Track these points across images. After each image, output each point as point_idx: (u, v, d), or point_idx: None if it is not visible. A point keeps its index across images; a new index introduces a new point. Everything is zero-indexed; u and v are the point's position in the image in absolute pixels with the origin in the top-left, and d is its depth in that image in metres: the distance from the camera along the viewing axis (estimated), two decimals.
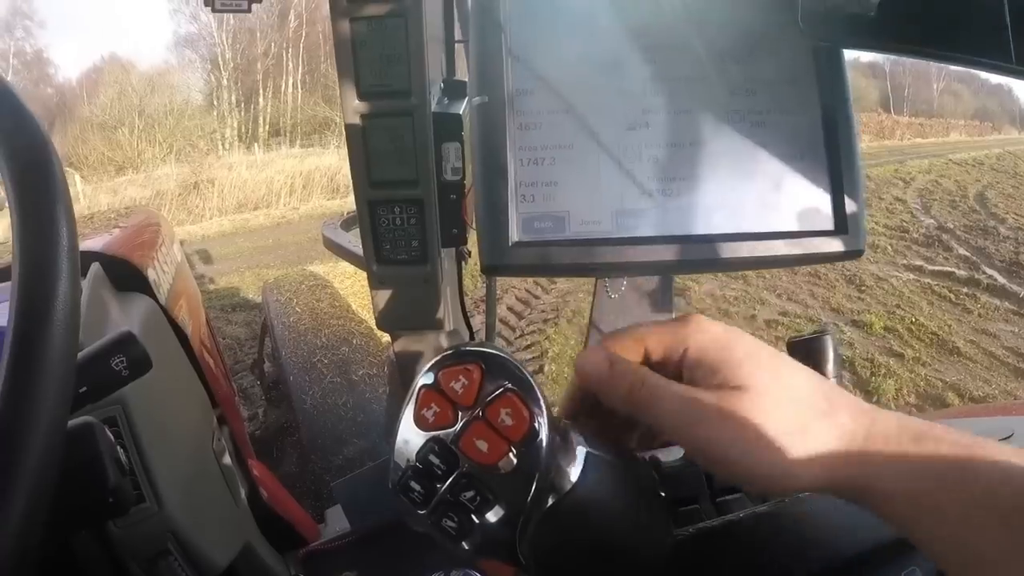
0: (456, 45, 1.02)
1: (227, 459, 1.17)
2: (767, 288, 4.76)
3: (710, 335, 0.34)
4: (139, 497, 0.83)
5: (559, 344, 3.64)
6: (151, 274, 1.15)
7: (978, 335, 3.97)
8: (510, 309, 4.35)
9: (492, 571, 0.30)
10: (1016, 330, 4.02)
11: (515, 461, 0.26)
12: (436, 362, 0.28)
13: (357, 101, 0.79)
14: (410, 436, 0.28)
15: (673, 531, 0.40)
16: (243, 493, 1.25)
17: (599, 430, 0.35)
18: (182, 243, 1.50)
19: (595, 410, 0.37)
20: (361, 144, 0.80)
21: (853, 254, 0.50)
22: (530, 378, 0.27)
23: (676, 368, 0.34)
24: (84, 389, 0.53)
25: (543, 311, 4.33)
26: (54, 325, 0.30)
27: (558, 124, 0.47)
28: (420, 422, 0.27)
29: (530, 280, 4.83)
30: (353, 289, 2.97)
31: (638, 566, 0.32)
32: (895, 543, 0.39)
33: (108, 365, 0.54)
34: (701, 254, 0.47)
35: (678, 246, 0.47)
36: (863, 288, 4.78)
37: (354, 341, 2.49)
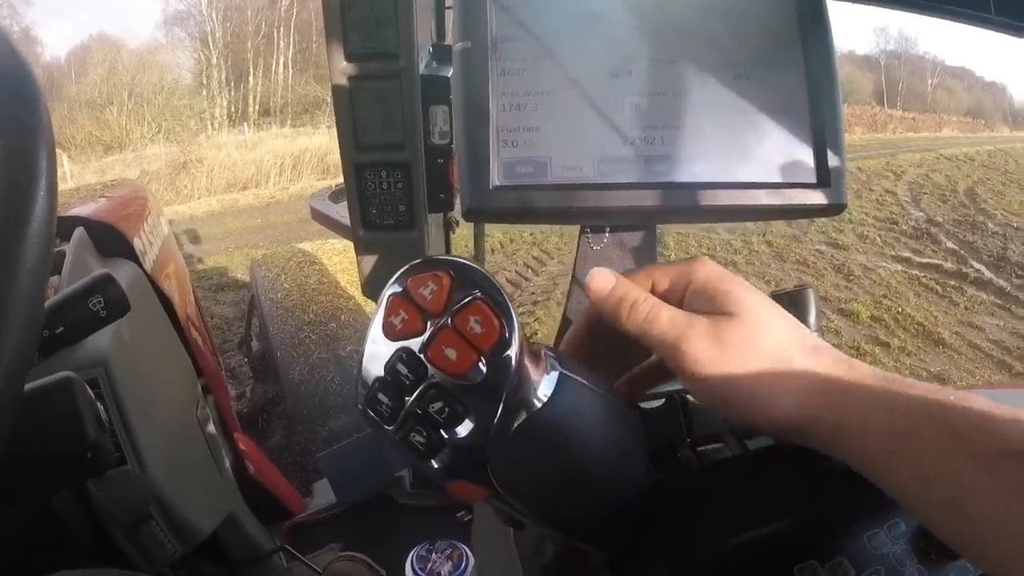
0: (447, 12, 1.01)
1: (212, 428, 1.17)
2: (756, 275, 4.80)
3: (713, 270, 0.35)
4: (120, 459, 0.83)
5: (548, 326, 3.65)
6: (137, 243, 1.14)
7: (964, 327, 4.01)
8: (508, 296, 4.36)
9: (465, 496, 0.29)
10: (1001, 323, 4.06)
11: (484, 371, 0.26)
12: (404, 270, 0.27)
13: (344, 63, 0.78)
14: (378, 348, 0.27)
15: (651, 471, 0.41)
16: (228, 464, 1.25)
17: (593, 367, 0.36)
18: (171, 223, 1.49)
19: (594, 349, 0.39)
20: (348, 106, 0.79)
21: (835, 208, 0.50)
22: (502, 290, 0.27)
23: (679, 300, 0.36)
24: (61, 330, 0.53)
25: (533, 293, 4.34)
26: (30, 230, 0.30)
27: (541, 70, 0.47)
28: (388, 330, 0.27)
29: (520, 262, 4.83)
30: (342, 266, 2.95)
31: (614, 498, 0.32)
32: (868, 495, 0.39)
33: (85, 306, 0.54)
34: (683, 201, 0.47)
35: (660, 192, 0.46)
36: (851, 277, 4.82)
37: (342, 317, 2.48)
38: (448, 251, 0.91)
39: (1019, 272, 4.89)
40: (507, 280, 4.56)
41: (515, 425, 0.27)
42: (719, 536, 0.35)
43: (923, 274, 4.93)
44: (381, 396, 0.27)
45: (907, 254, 5.44)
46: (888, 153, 11.82)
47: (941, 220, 6.58)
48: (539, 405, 0.27)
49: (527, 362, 0.27)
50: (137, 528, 0.87)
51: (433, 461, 0.27)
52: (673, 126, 0.47)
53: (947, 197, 7.79)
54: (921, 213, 6.92)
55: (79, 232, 1.00)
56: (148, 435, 0.86)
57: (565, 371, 0.29)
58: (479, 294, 0.26)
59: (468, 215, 0.46)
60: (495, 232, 5.21)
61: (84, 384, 0.57)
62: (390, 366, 0.26)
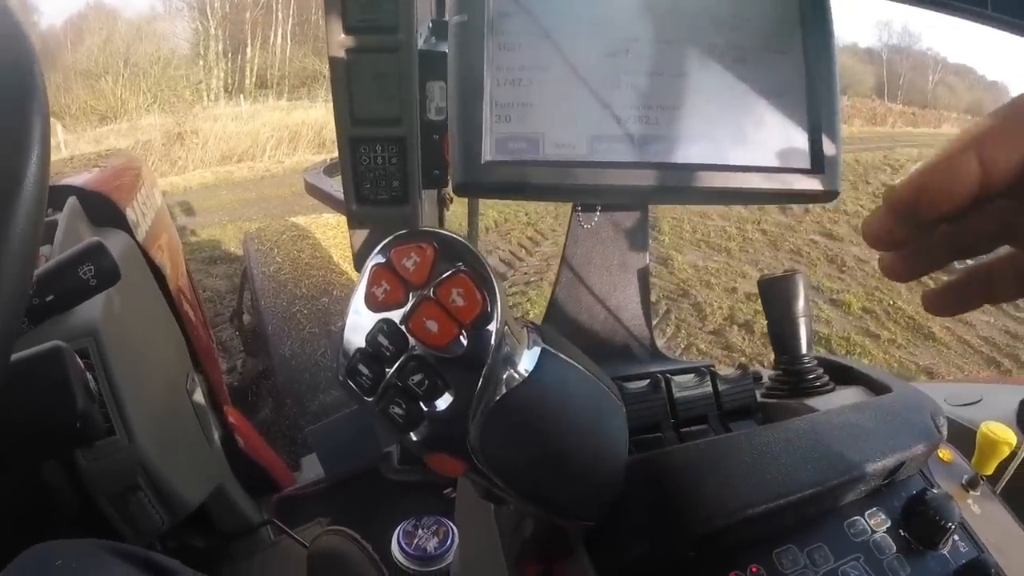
0: None
1: (201, 401, 1.17)
2: (749, 262, 4.80)
3: None
4: (109, 430, 0.83)
5: (540, 307, 3.64)
6: (130, 214, 1.13)
7: (954, 322, 4.01)
8: (493, 270, 4.35)
9: (443, 469, 0.29)
10: (992, 320, 4.08)
11: (465, 344, 0.25)
12: (388, 241, 0.27)
13: (343, 35, 0.77)
14: (360, 318, 0.27)
15: (631, 450, 0.41)
16: (217, 437, 1.25)
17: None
18: (164, 194, 1.47)
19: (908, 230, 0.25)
20: (344, 79, 0.79)
21: (829, 195, 0.50)
22: (486, 264, 0.26)
23: None
24: (51, 298, 0.52)
25: (526, 273, 4.33)
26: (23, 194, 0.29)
27: (537, 46, 0.46)
28: (370, 300, 0.26)
29: (514, 241, 4.82)
30: (335, 240, 2.93)
31: (593, 475, 0.32)
32: (848, 482, 0.40)
33: (76, 274, 0.54)
34: (677, 182, 0.47)
35: (653, 172, 0.46)
36: (844, 268, 4.82)
37: (334, 292, 2.47)
38: (441, 227, 0.91)
39: None
40: (501, 259, 4.55)
41: (495, 399, 0.27)
42: (698, 519, 0.36)
43: None
44: (361, 367, 0.26)
45: None
46: (887, 147, 11.77)
47: None
48: (519, 380, 0.27)
49: (509, 337, 0.27)
50: (124, 499, 0.87)
51: (412, 434, 0.27)
52: (670, 106, 0.47)
53: None
54: None
55: (72, 201, 0.99)
56: (137, 406, 0.86)
57: (548, 347, 0.29)
58: (463, 267, 0.26)
59: (458, 189, 0.46)
60: (490, 211, 5.18)
61: (74, 354, 0.57)
62: (371, 337, 0.26)
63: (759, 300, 0.55)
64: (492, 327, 0.26)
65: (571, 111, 0.46)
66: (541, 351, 0.29)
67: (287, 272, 2.57)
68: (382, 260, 0.27)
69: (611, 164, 0.46)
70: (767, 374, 0.56)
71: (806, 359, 0.53)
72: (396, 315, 0.26)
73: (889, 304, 4.18)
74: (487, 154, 0.45)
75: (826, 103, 0.50)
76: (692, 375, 0.49)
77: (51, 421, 0.56)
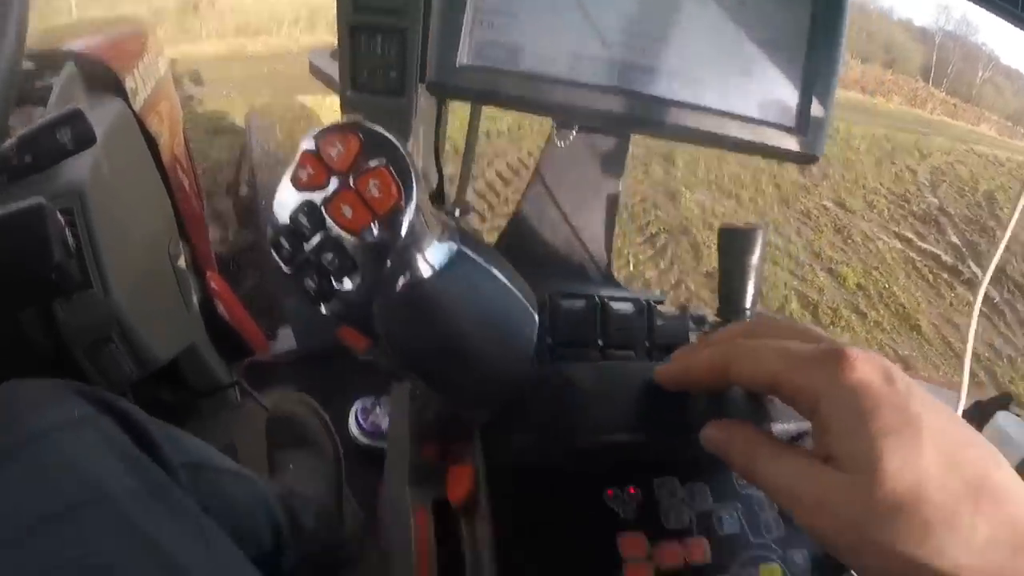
0: None
1: (183, 264, 1.19)
2: (757, 213, 4.76)
3: (851, 389, 0.28)
4: (86, 283, 0.85)
5: None
6: (129, 82, 1.12)
7: (943, 322, 4.02)
8: (499, 174, 4.28)
9: (351, 342, 0.32)
10: (979, 330, 4.06)
11: (376, 232, 0.27)
12: (320, 130, 0.28)
13: None
14: (286, 196, 0.28)
15: (543, 359, 0.42)
16: (196, 300, 1.28)
17: None
18: (174, 62, 1.44)
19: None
20: None
21: (807, 158, 0.50)
22: (412, 163, 0.27)
23: (808, 415, 0.29)
24: (29, 159, 0.58)
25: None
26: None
27: None
28: (296, 181, 0.28)
29: (524, 150, 4.72)
30: None
31: (491, 376, 0.34)
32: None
33: (53, 137, 0.58)
34: (651, 114, 0.46)
35: (629, 100, 0.46)
36: (848, 241, 4.79)
37: None
38: (439, 125, 0.91)
39: (1011, 287, 4.85)
40: (507, 165, 4.43)
41: (397, 288, 0.28)
42: (587, 430, 0.38)
43: (919, 259, 4.89)
44: (283, 240, 0.28)
45: (910, 235, 5.37)
46: (922, 131, 11.40)
47: (952, 212, 6.45)
48: (428, 274, 0.29)
49: (423, 230, 0.28)
50: (97, 349, 0.90)
51: (323, 306, 0.28)
52: (657, 37, 0.46)
53: (965, 193, 7.58)
54: (935, 199, 6.77)
55: (69, 66, 0.98)
56: (116, 263, 0.87)
57: (464, 247, 0.30)
58: (385, 162, 0.27)
59: (431, 88, 0.46)
60: (506, 116, 5.05)
61: (55, 210, 0.62)
62: (293, 215, 0.28)
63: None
64: (403, 219, 0.27)
65: (556, 25, 0.45)
66: (456, 251, 0.30)
67: (286, 149, 2.54)
68: (311, 147, 0.28)
69: (587, 85, 0.45)
70: (711, 320, 0.58)
71: (747, 314, 0.53)
72: (317, 197, 0.27)
73: (884, 287, 4.18)
74: (463, 58, 0.44)
75: (825, 62, 0.49)
76: (631, 304, 0.50)
77: (28, 272, 0.61)
